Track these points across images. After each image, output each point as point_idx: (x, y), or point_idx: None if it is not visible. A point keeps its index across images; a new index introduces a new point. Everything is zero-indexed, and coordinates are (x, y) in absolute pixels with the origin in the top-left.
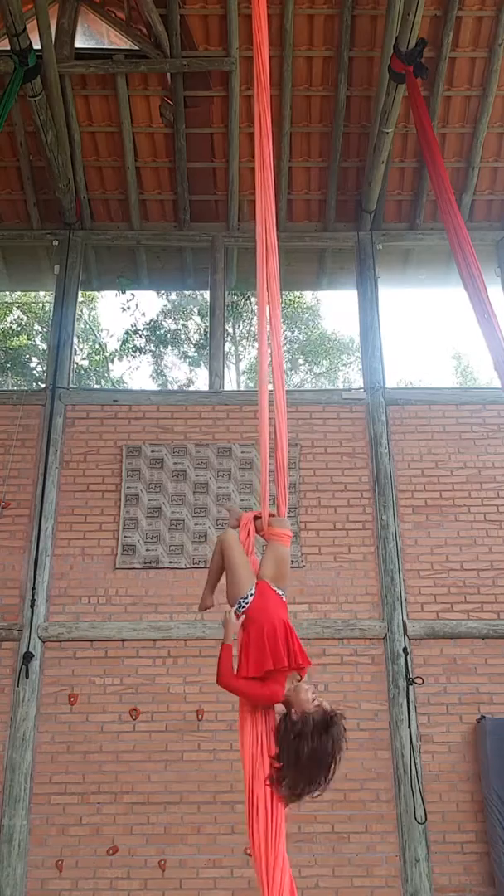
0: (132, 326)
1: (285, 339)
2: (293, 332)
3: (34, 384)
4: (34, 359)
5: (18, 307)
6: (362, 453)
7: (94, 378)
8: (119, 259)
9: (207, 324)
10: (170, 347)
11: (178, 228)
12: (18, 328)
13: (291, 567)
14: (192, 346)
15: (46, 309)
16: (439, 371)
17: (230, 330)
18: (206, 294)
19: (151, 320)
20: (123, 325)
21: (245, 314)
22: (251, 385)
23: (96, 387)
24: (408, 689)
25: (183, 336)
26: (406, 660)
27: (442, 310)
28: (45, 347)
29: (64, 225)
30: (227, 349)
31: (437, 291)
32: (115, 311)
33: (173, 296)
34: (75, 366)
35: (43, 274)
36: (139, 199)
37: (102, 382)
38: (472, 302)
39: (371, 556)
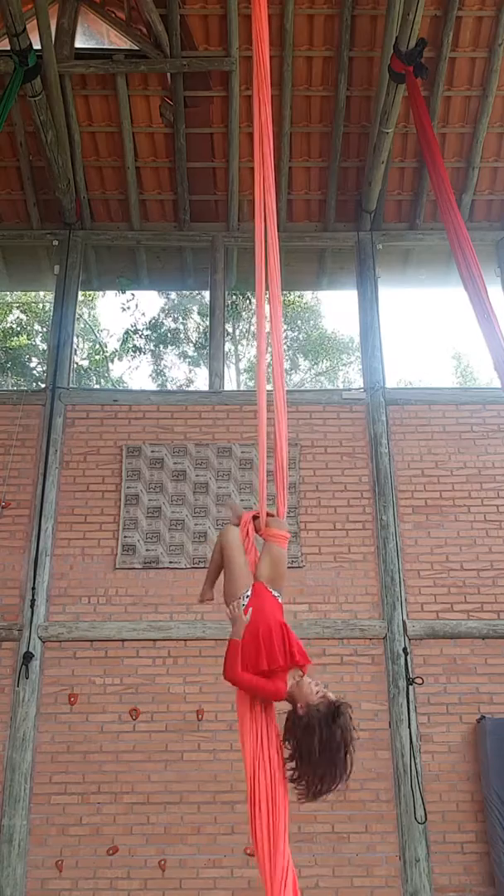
0: (132, 326)
1: (285, 338)
2: (293, 332)
3: (34, 384)
4: (34, 359)
5: (18, 307)
6: (362, 453)
7: (94, 378)
8: (119, 259)
9: (207, 323)
10: (170, 347)
11: (178, 228)
12: (18, 328)
13: (291, 567)
14: (191, 345)
15: (46, 309)
16: (439, 371)
17: (230, 330)
18: (206, 294)
19: (152, 319)
20: (123, 325)
21: (245, 314)
22: (251, 385)
23: (96, 387)
24: (408, 689)
25: (183, 336)
26: (406, 660)
27: (442, 310)
28: (45, 347)
29: (64, 225)
30: (227, 349)
31: (437, 291)
32: (115, 311)
33: (173, 294)
34: (75, 366)
35: (43, 274)
36: (139, 199)
37: (102, 382)
38: (472, 302)
39: (371, 556)
